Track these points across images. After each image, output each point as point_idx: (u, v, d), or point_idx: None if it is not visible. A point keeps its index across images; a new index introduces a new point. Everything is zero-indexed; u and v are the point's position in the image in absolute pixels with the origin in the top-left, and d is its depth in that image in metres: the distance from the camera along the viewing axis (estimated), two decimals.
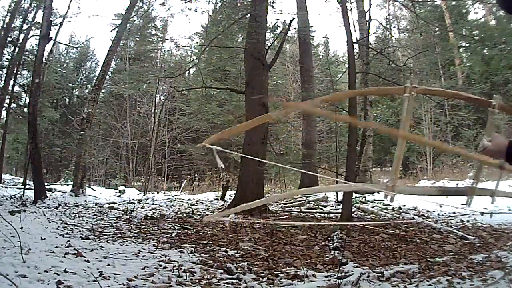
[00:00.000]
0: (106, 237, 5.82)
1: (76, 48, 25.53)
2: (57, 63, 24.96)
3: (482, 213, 6.44)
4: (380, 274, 3.83)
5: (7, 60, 14.69)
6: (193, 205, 11.15)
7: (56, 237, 5.27)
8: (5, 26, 13.94)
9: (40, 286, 3.13)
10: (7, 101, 14.68)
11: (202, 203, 11.78)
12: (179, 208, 10.24)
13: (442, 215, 8.30)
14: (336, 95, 1.41)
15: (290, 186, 16.12)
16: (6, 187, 12.00)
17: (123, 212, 8.98)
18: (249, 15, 10.05)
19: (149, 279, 3.65)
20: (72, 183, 12.59)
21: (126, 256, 4.50)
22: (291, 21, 11.47)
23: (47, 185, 11.73)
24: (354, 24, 13.51)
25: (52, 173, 22.85)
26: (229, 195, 12.06)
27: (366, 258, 4.66)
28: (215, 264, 4.31)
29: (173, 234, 6.29)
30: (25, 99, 16.84)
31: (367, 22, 12.20)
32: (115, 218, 8.00)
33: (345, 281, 3.60)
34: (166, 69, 18.86)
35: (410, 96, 1.34)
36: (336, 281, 3.58)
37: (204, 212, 9.44)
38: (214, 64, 16.66)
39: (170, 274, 3.81)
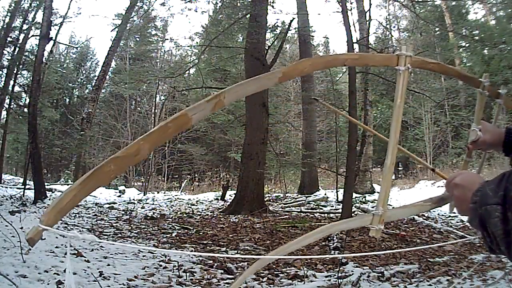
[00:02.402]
0: (106, 237, 5.82)
1: (76, 48, 25.58)
2: (57, 63, 24.95)
3: None
4: (380, 274, 3.83)
5: (7, 60, 14.69)
6: (193, 205, 11.16)
7: (56, 237, 5.26)
8: (5, 26, 13.95)
9: (40, 286, 3.13)
10: (7, 101, 14.68)
11: (202, 203, 11.79)
12: (179, 208, 10.24)
13: (442, 215, 8.30)
14: (296, 66, 1.06)
15: (290, 186, 16.13)
16: (6, 187, 11.99)
17: (123, 212, 8.99)
18: (249, 15, 10.05)
19: (149, 279, 3.65)
20: (72, 183, 12.60)
21: (126, 256, 4.50)
22: (291, 21, 11.46)
23: (47, 185, 11.73)
24: (354, 24, 13.52)
25: (52, 173, 22.85)
26: (229, 195, 12.06)
27: (366, 258, 4.65)
28: (215, 264, 4.31)
29: (173, 234, 6.29)
30: (25, 99, 16.84)
31: (367, 22, 12.22)
32: (115, 218, 8.00)
33: (345, 281, 3.60)
34: (166, 69, 18.85)
35: (405, 70, 1.08)
36: (336, 281, 3.58)
37: (204, 212, 9.45)
38: (214, 64, 16.66)
39: (170, 274, 3.81)
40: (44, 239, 4.93)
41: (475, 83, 1.31)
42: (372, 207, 9.52)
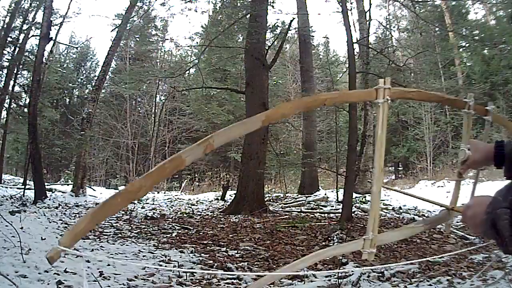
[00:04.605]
0: (106, 237, 5.82)
1: (76, 48, 25.57)
2: (57, 63, 24.96)
3: None
4: (380, 274, 3.83)
5: (7, 60, 14.69)
6: (193, 205, 11.16)
7: (57, 237, 5.27)
8: (5, 26, 13.94)
9: (41, 286, 3.13)
10: (7, 101, 14.68)
11: (202, 203, 11.79)
12: (179, 208, 10.24)
13: None
14: (278, 110, 1.12)
15: (290, 186, 16.12)
16: (6, 187, 11.99)
17: (123, 212, 8.98)
18: (249, 15, 10.04)
19: (149, 279, 3.65)
20: (72, 183, 12.60)
21: (126, 256, 4.50)
22: (291, 21, 11.46)
23: (47, 185, 11.73)
24: (354, 24, 13.52)
25: (52, 173, 22.86)
26: (229, 195, 12.06)
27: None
28: (216, 264, 4.31)
29: (173, 234, 6.29)
30: (25, 99, 16.85)
31: (367, 22, 12.22)
32: (115, 218, 7.99)
33: (345, 281, 3.60)
34: (166, 69, 18.87)
35: (384, 102, 1.09)
36: (336, 281, 3.58)
37: (204, 212, 9.45)
38: (214, 64, 16.66)
39: (170, 274, 3.81)
40: (45, 239, 4.93)
41: (460, 104, 1.31)
42: None
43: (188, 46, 17.80)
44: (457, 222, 7.32)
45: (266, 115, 1.05)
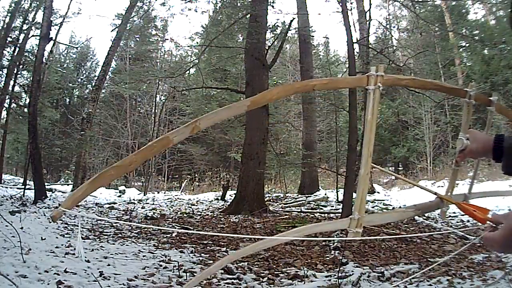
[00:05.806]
0: (106, 237, 5.82)
1: (76, 48, 25.60)
2: (57, 63, 24.97)
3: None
4: (380, 274, 3.83)
5: (7, 60, 14.69)
6: (193, 205, 11.16)
7: (57, 237, 5.27)
8: (5, 26, 13.94)
9: (41, 286, 3.13)
10: (7, 101, 14.68)
11: (203, 203, 11.79)
12: (179, 208, 10.24)
13: None
14: (265, 95, 1.14)
15: (290, 186, 16.13)
16: (6, 187, 12.00)
17: (123, 212, 8.99)
18: (249, 15, 10.05)
19: (149, 279, 3.65)
20: (72, 183, 12.63)
21: (126, 256, 4.50)
22: (291, 21, 11.47)
23: (47, 185, 11.74)
24: (354, 24, 13.50)
25: (52, 173, 22.86)
26: (229, 195, 12.06)
27: (367, 258, 4.65)
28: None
29: (174, 234, 6.29)
30: (25, 99, 16.84)
31: (367, 22, 12.20)
32: (115, 218, 8.00)
33: (345, 281, 3.60)
34: (166, 69, 18.86)
35: (376, 89, 1.11)
36: (336, 281, 3.58)
37: (204, 212, 9.45)
38: (214, 64, 16.67)
39: (170, 274, 3.81)
40: (45, 239, 4.94)
41: (461, 93, 1.29)
42: (372, 207, 9.52)
43: (188, 46, 17.83)
44: (457, 222, 7.33)
45: (251, 100, 1.08)
